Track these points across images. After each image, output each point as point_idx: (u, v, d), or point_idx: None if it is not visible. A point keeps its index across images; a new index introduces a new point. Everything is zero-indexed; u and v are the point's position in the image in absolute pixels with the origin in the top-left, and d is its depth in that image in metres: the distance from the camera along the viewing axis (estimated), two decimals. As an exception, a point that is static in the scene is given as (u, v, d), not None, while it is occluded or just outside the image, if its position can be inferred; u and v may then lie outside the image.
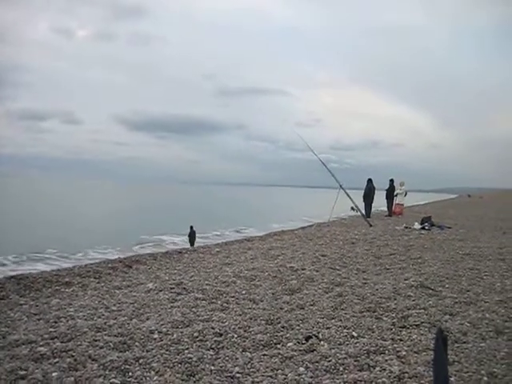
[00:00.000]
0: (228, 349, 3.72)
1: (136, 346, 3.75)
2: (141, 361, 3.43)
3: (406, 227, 13.80)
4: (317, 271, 6.83)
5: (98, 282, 6.45)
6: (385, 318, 4.48)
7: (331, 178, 16.00)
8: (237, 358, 3.51)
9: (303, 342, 3.87)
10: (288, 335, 4.01)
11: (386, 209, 21.16)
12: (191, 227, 18.75)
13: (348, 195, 15.72)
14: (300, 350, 3.68)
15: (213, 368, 3.34)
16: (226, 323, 4.32)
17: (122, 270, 7.42)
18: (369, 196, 18.95)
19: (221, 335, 4.00)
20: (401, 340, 3.88)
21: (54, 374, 3.17)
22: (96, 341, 3.81)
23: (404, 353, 3.57)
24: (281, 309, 4.84)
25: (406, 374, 3.16)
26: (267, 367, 3.37)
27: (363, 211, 17.47)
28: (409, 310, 4.72)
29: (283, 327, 4.23)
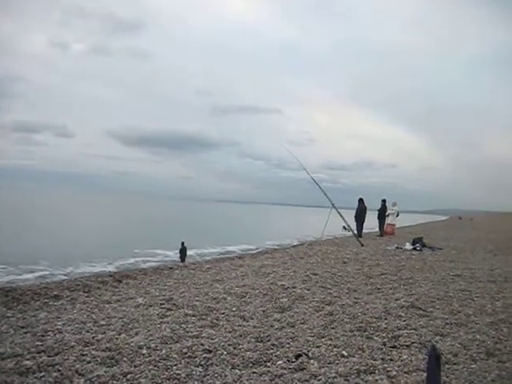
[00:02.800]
0: (217, 366, 3.68)
1: (124, 361, 3.70)
2: (128, 376, 3.38)
3: (398, 247, 13.82)
4: (308, 290, 6.80)
5: (88, 296, 6.39)
6: (375, 338, 4.46)
7: (324, 197, 16.05)
8: (226, 375, 3.47)
9: (293, 360, 3.83)
10: (278, 353, 3.98)
11: (377, 229, 21.22)
12: (182, 243, 18.67)
13: (340, 214, 15.75)
14: (290, 369, 3.64)
15: (201, 385, 3.29)
16: (216, 340, 4.28)
17: (112, 285, 7.36)
18: (360, 216, 19.00)
19: (210, 352, 3.96)
20: (391, 360, 3.85)
21: (39, 389, 3.11)
22: (83, 355, 3.76)
23: (394, 373, 3.54)
24: (271, 326, 4.81)
25: (396, 395, 3.13)
26: (256, 385, 3.32)
27: (355, 231, 17.50)
28: (399, 330, 4.70)
29: (273, 345, 4.19)
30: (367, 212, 19.38)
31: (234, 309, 5.56)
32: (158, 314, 5.22)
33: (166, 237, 26.56)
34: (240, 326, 4.82)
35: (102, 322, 4.82)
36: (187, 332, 4.52)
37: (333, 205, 15.87)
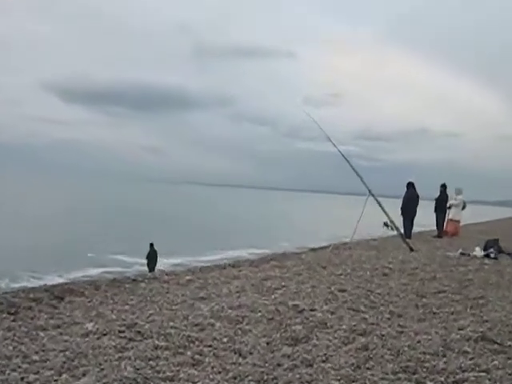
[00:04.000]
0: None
1: (66, 413, 3.71)
2: None
3: (463, 254, 13.80)
4: (332, 313, 6.83)
5: (14, 320, 6.39)
6: (429, 383, 4.47)
7: (356, 179, 15.96)
8: None
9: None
10: (288, 404, 3.99)
11: (434, 227, 21.19)
12: (151, 245, 18.66)
13: (380, 205, 15.70)
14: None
15: None
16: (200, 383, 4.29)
17: (50, 304, 7.37)
18: (410, 207, 18.97)
19: (191, 401, 3.97)
20: (452, 415, 3.86)
21: None
22: (8, 404, 3.77)
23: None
24: (278, 365, 4.82)
25: None
26: None
27: (401, 229, 17.47)
28: (464, 372, 4.71)
29: (282, 392, 4.20)
30: (419, 202, 19.34)
31: (225, 339, 5.57)
32: (115, 347, 5.23)
33: (129, 236, 26.63)
34: (234, 364, 4.83)
35: (35, 357, 4.82)
36: (158, 372, 4.53)
37: (369, 191, 15.81)
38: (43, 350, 5.05)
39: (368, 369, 4.79)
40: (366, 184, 15.89)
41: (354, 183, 16.19)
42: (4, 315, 6.57)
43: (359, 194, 16.66)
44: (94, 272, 17.81)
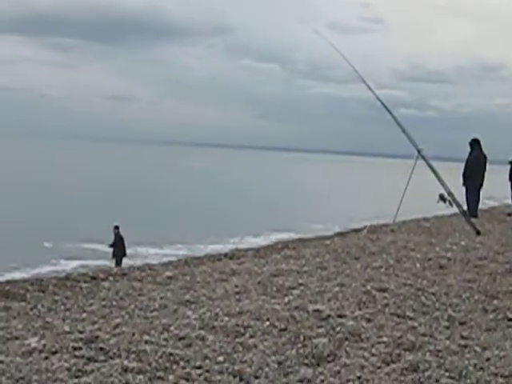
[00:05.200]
0: None
1: None
2: None
3: (549, 237, 13.80)
4: (368, 320, 6.82)
5: None
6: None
7: (400, 135, 15.88)
8: None
9: None
10: None
11: (509, 200, 21.14)
12: (116, 228, 18.55)
13: (434, 171, 15.63)
14: None
15: None
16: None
17: (-23, 312, 7.38)
18: (475, 174, 18.89)
19: None
20: None
21: None
22: None
23: None
24: (295, 394, 4.82)
25: None
26: None
27: (464, 204, 17.41)
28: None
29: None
30: (487, 166, 19.27)
31: (220, 358, 5.56)
32: (69, 369, 5.21)
33: (90, 217, 26.67)
34: (233, 392, 4.83)
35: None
36: (128, 405, 4.53)
37: (419, 152, 15.75)
38: (-30, 375, 5.05)
39: (419, 398, 4.79)
40: (414, 142, 15.81)
41: (397, 141, 16.13)
42: None
43: (404, 156, 16.56)
44: (71, 265, 17.93)
